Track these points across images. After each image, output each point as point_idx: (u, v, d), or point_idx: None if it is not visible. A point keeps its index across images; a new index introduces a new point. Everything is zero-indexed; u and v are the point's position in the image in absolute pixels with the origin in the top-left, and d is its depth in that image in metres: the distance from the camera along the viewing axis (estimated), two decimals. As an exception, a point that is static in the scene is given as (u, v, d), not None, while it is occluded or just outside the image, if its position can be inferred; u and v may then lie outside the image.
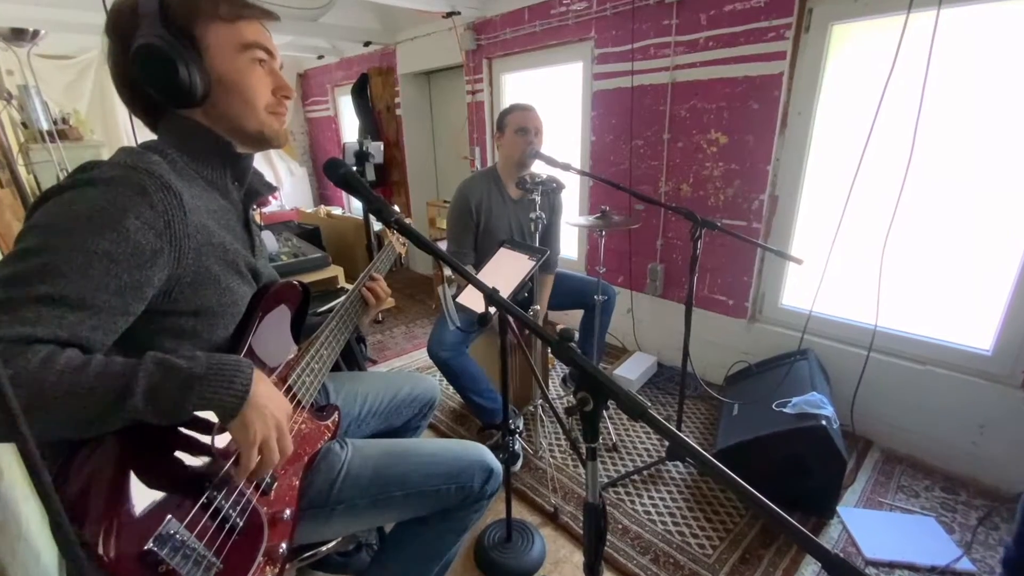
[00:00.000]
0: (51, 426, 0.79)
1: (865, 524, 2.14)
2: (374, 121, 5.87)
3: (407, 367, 3.72)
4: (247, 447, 0.95)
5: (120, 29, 1.01)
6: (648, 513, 2.24)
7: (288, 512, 1.13)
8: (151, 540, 0.84)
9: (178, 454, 0.96)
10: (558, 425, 2.82)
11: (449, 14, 4.17)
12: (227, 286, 1.07)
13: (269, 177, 1.25)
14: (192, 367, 0.88)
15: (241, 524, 1.01)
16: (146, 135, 1.12)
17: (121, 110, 5.44)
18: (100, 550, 0.78)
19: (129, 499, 0.85)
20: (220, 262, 1.05)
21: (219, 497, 0.98)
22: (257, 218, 5.07)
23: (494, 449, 1.55)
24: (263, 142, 1.15)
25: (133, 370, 0.83)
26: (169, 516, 0.88)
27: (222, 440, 1.02)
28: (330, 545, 1.44)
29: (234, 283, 1.09)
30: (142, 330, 0.95)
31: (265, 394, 0.98)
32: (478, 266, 2.64)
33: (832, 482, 2.15)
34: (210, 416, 0.94)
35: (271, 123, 1.13)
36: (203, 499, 0.95)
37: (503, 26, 4.02)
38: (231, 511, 1.00)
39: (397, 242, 1.84)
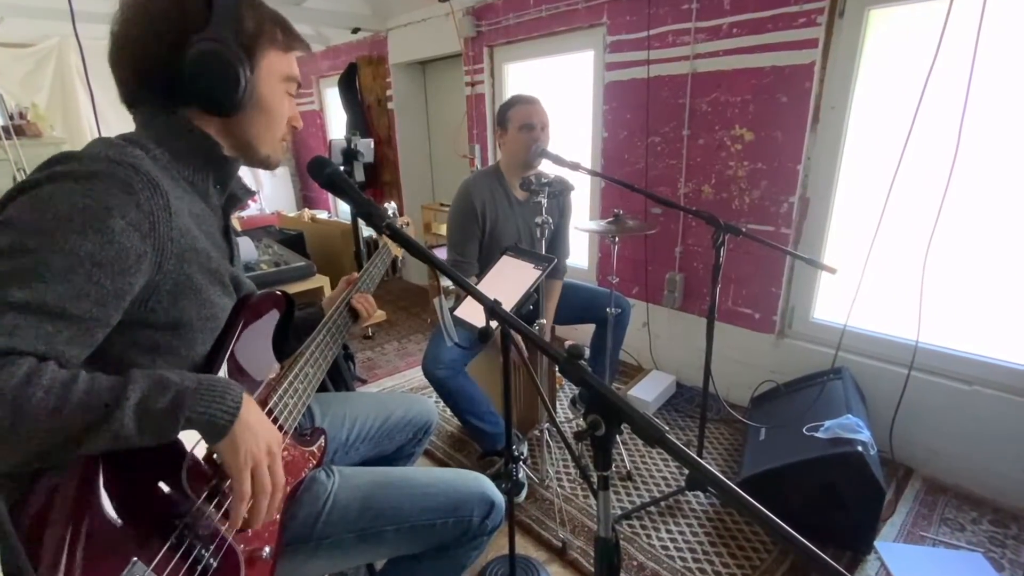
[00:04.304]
0: (28, 448, 0.78)
1: (905, 560, 2.13)
2: (363, 116, 5.90)
3: (400, 387, 3.72)
4: (239, 471, 0.96)
5: (181, 12, 1.02)
6: (666, 548, 2.23)
7: (268, 549, 1.13)
8: None
9: (145, 490, 0.95)
10: (566, 451, 2.82)
11: (446, -2, 4.20)
12: (208, 298, 1.07)
13: (246, 177, 1.28)
14: (183, 380, 0.90)
15: (215, 565, 1.01)
16: (113, 133, 1.13)
17: (84, 104, 5.51)
18: None
19: (89, 540, 0.84)
20: (202, 270, 1.06)
21: (190, 536, 0.98)
22: (236, 224, 5.09)
23: (496, 478, 1.56)
24: (263, 164, 1.24)
25: (122, 384, 0.85)
26: (134, 559, 0.88)
27: (194, 473, 1.01)
28: (315, 584, 1.44)
29: (215, 294, 1.10)
30: (113, 345, 0.95)
31: (256, 415, 1.01)
32: (481, 277, 2.65)
33: (869, 514, 2.15)
34: (182, 444, 0.95)
35: (278, 150, 1.23)
36: (172, 538, 0.95)
37: (506, 11, 4.05)
38: (204, 551, 1.00)
39: (393, 244, 1.84)
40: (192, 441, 1.01)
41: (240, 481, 0.96)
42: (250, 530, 1.11)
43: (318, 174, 1.21)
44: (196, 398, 0.90)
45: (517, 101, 2.61)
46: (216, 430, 0.93)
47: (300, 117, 1.26)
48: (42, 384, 0.77)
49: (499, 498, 1.48)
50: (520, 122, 2.55)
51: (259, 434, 0.99)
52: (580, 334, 3.68)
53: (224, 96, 1.06)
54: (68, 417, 0.79)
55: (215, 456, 1.01)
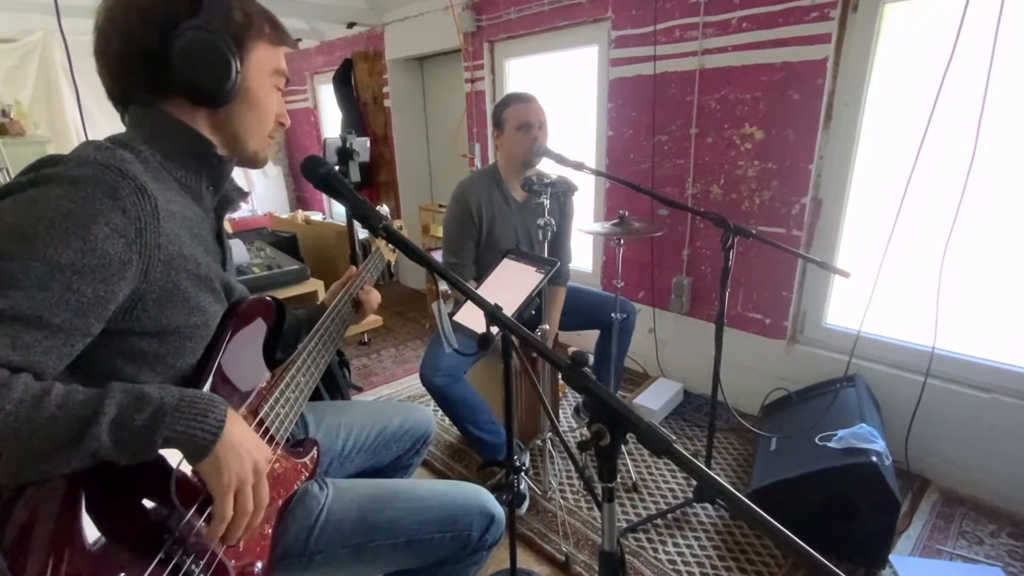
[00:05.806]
0: None
1: (922, 575, 2.13)
2: (359, 114, 5.91)
3: (397, 395, 3.72)
4: (221, 493, 0.95)
5: (169, 4, 1.03)
6: (673, 562, 2.23)
7: (260, 565, 1.13)
8: None
9: (133, 502, 0.95)
10: (570, 462, 2.81)
11: (445, -9, 4.20)
12: (197, 305, 1.07)
13: (238, 178, 1.30)
14: (163, 396, 0.89)
15: None
16: (99, 132, 1.13)
17: (70, 101, 5.51)
18: None
19: (75, 555, 0.83)
20: (191, 277, 1.06)
21: (180, 551, 0.98)
22: (227, 226, 5.09)
23: (497, 489, 1.55)
24: (251, 162, 1.25)
25: (99, 399, 0.84)
26: (122, 575, 0.88)
27: (184, 485, 1.01)
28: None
29: (205, 301, 1.10)
30: (97, 354, 0.95)
31: (241, 432, 1.00)
32: (479, 280, 2.65)
33: (884, 527, 2.14)
34: (170, 459, 0.95)
35: (266, 147, 1.25)
36: (161, 554, 0.95)
37: (507, 5, 4.06)
38: (193, 567, 0.99)
39: (386, 248, 1.85)
40: (178, 454, 1.00)
41: (223, 503, 0.96)
42: (241, 545, 1.11)
43: (312, 174, 1.21)
44: (175, 416, 0.89)
45: (513, 100, 2.62)
46: (197, 450, 0.93)
47: (287, 114, 1.28)
48: (12, 397, 0.77)
49: (499, 511, 1.48)
50: (517, 122, 2.55)
51: (245, 454, 0.98)
52: (584, 340, 3.68)
53: (214, 85, 1.07)
54: (39, 432, 0.79)
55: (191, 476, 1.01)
